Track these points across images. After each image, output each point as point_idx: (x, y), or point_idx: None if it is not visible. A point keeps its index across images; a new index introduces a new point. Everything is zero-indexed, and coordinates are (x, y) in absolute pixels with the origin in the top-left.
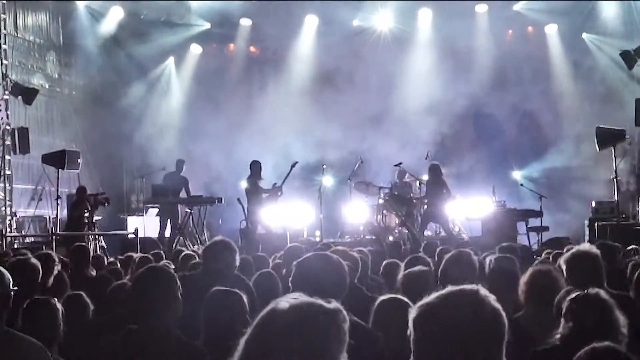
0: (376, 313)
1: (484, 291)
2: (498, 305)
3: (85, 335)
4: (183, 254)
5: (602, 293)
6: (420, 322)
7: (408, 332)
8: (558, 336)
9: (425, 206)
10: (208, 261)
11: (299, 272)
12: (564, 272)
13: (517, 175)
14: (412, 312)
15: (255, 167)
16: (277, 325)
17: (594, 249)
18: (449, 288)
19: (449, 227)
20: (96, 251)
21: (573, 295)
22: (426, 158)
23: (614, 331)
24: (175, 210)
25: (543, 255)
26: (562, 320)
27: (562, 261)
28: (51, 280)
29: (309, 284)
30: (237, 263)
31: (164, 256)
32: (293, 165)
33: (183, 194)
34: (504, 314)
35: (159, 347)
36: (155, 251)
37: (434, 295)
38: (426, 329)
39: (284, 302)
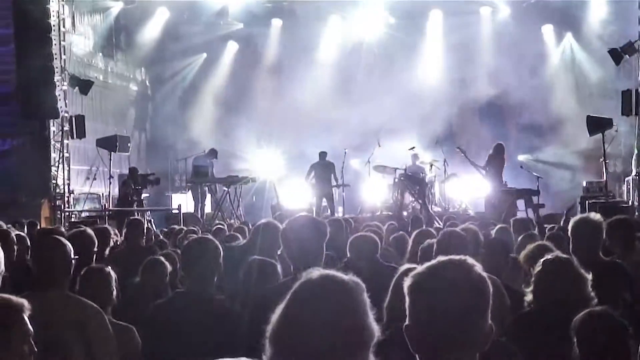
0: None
1: (470, 260)
2: (483, 273)
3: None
4: (214, 227)
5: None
6: (413, 289)
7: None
8: (529, 298)
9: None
10: (254, 238)
11: (285, 232)
12: (570, 234)
13: (519, 158)
14: (407, 281)
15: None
16: (312, 291)
17: (598, 217)
18: (439, 258)
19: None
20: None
21: (542, 260)
22: (436, 143)
23: (581, 289)
24: (203, 191)
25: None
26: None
27: (569, 226)
28: (108, 250)
29: (294, 239)
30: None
31: (200, 231)
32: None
33: None
34: (489, 281)
35: (204, 309)
36: (192, 227)
37: (425, 265)
38: (419, 295)
39: (314, 273)
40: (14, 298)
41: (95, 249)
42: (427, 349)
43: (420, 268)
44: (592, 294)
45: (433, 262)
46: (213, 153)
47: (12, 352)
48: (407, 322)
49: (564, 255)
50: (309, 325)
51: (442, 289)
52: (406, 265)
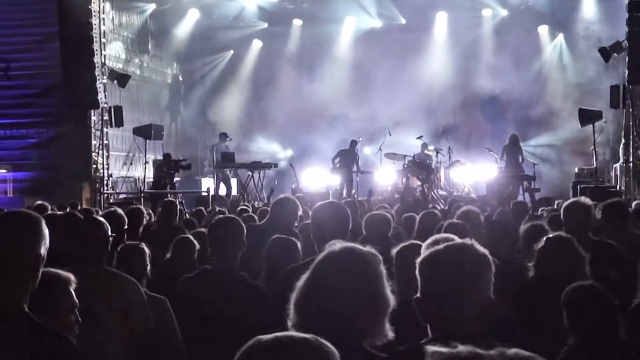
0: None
1: (477, 245)
2: (486, 252)
3: (166, 274)
4: (239, 208)
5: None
6: (426, 264)
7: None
8: (531, 273)
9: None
10: (274, 210)
11: (313, 216)
12: (562, 216)
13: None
14: (420, 257)
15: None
16: (334, 261)
17: (588, 201)
18: (448, 242)
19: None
20: None
21: (546, 237)
22: (441, 132)
23: (579, 266)
24: (226, 175)
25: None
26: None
27: (562, 207)
28: (141, 229)
29: (320, 224)
30: (298, 215)
31: (226, 211)
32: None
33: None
34: (490, 259)
35: (229, 285)
36: (219, 209)
37: (439, 246)
38: (431, 270)
39: (336, 245)
40: (61, 272)
41: (125, 227)
42: (437, 317)
43: (431, 249)
44: (588, 270)
45: (442, 244)
46: (224, 136)
47: (60, 321)
48: (417, 295)
49: (565, 235)
50: (331, 293)
51: (450, 266)
52: (402, 244)
